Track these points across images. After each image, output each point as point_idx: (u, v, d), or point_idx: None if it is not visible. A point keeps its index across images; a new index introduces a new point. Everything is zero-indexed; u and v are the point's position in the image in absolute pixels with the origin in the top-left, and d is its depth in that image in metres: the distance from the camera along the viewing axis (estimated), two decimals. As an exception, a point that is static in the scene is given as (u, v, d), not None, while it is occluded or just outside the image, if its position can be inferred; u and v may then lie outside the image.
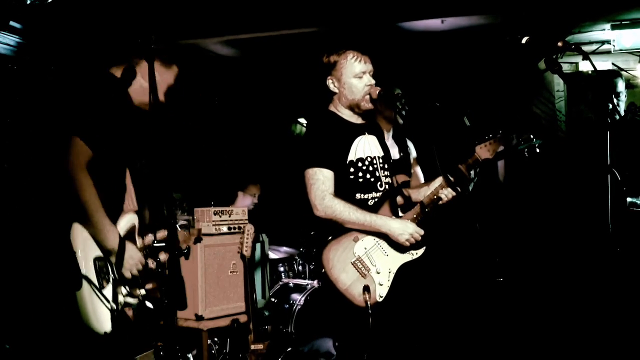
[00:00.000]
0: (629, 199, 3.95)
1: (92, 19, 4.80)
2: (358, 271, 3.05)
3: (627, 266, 3.75)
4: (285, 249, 5.47)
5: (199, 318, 4.13)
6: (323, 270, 3.05)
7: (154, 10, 4.87)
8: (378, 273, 3.08)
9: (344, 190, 3.13)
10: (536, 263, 5.39)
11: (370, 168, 3.21)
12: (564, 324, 4.63)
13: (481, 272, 4.70)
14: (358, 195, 3.17)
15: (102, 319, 2.60)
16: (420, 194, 3.30)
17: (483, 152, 3.26)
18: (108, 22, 4.80)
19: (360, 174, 3.18)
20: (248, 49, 6.23)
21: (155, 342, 3.83)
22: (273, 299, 4.73)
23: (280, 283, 4.93)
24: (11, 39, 4.87)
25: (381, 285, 3.07)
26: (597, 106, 4.18)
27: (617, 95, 4.26)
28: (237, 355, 4.24)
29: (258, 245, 4.65)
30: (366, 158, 3.21)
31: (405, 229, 3.10)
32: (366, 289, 2.94)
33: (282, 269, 5.33)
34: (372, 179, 3.21)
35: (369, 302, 2.90)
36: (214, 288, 4.26)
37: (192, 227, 4.50)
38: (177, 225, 4.88)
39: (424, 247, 3.18)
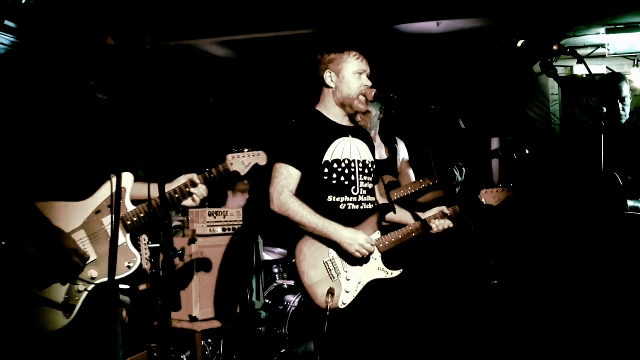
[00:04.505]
0: (630, 202, 3.95)
1: (87, 19, 4.79)
2: (328, 272, 3.03)
3: (623, 269, 3.76)
4: (279, 250, 5.46)
5: (193, 319, 4.12)
6: (293, 260, 3.03)
7: (150, 10, 4.86)
8: (347, 280, 3.05)
9: (316, 190, 3.11)
10: (531, 266, 5.40)
11: (347, 171, 3.16)
12: (559, 327, 4.64)
13: (475, 275, 4.71)
14: (330, 198, 3.13)
15: (51, 317, 2.55)
16: (412, 218, 3.29)
17: (488, 197, 3.30)
18: (104, 22, 4.78)
19: (335, 176, 3.14)
20: (243, 49, 6.23)
21: (149, 343, 3.82)
22: (267, 300, 4.72)
23: (275, 284, 4.92)
24: (6, 39, 4.86)
25: (347, 292, 3.03)
26: (604, 110, 4.20)
27: (622, 99, 4.26)
28: (230, 356, 4.24)
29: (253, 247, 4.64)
30: (343, 160, 3.17)
31: (355, 239, 3.03)
32: (330, 291, 2.91)
33: (276, 270, 5.31)
34: (347, 182, 3.16)
35: (329, 305, 2.86)
36: (208, 289, 4.25)
37: (186, 228, 4.50)
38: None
39: (401, 270, 3.15)
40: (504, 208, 3.32)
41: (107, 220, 2.74)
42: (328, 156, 3.14)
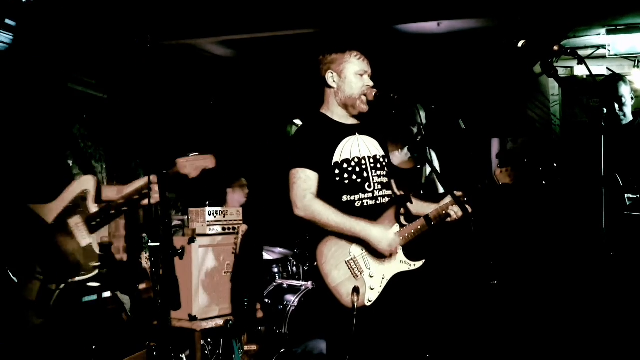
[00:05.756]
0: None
1: (87, 19, 4.80)
2: (351, 271, 3.02)
3: (622, 269, 3.76)
4: (279, 250, 5.46)
5: (193, 318, 4.12)
6: (315, 264, 3.01)
7: (151, 9, 4.86)
8: (371, 277, 3.05)
9: (330, 192, 3.09)
10: (531, 266, 5.40)
11: (357, 169, 3.15)
12: (558, 327, 4.64)
13: (475, 275, 4.71)
14: (344, 198, 3.12)
15: (28, 315, 2.60)
16: (431, 208, 3.23)
17: (503, 176, 3.24)
18: (104, 22, 4.79)
19: (346, 176, 3.13)
20: (244, 49, 6.23)
21: (148, 342, 3.82)
22: (267, 300, 4.73)
23: (274, 284, 4.92)
24: (5, 37, 4.86)
25: (372, 289, 3.03)
26: (605, 111, 4.20)
27: (619, 99, 4.25)
28: (230, 356, 4.24)
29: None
30: (353, 159, 3.15)
31: (384, 237, 3.04)
32: (356, 290, 2.87)
33: (276, 270, 5.32)
34: (359, 180, 3.14)
35: (356, 304, 2.84)
36: (208, 288, 4.25)
37: (186, 227, 4.50)
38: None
39: (423, 260, 3.15)
40: (520, 185, 3.26)
41: (72, 221, 2.80)
42: (337, 157, 3.13)
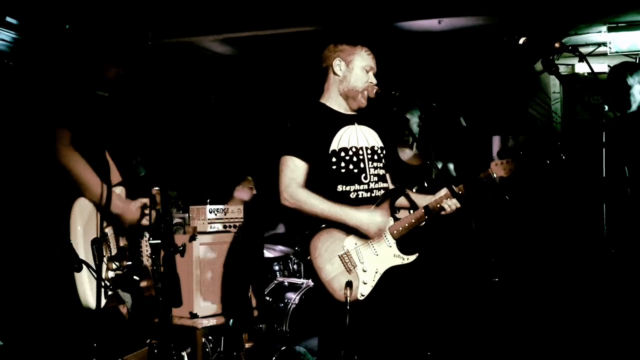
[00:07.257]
0: None
1: (88, 16, 4.79)
2: (344, 265, 3.01)
3: (624, 266, 3.76)
4: (280, 247, 5.47)
5: (194, 316, 4.12)
6: (309, 258, 3.02)
7: (151, 7, 4.86)
8: (364, 271, 3.04)
9: (326, 181, 3.08)
10: (532, 263, 5.40)
11: (355, 159, 3.13)
12: (559, 325, 4.64)
13: (477, 272, 4.72)
14: (340, 187, 3.10)
15: (92, 297, 2.73)
16: (426, 200, 3.21)
17: (498, 169, 3.21)
18: (105, 19, 4.79)
19: (343, 164, 3.11)
20: (245, 47, 6.23)
21: (150, 339, 3.82)
22: (268, 298, 4.73)
23: (275, 282, 4.93)
24: (7, 35, 4.86)
25: (365, 283, 3.02)
26: (602, 108, 4.17)
27: (627, 88, 4.22)
28: (231, 353, 4.24)
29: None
30: (350, 148, 3.13)
31: (371, 220, 3.03)
32: (349, 284, 2.86)
33: (277, 267, 5.32)
34: (356, 170, 3.13)
35: (349, 298, 2.83)
36: (209, 286, 4.25)
37: (187, 225, 4.50)
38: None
39: (417, 254, 3.13)
40: (515, 179, 3.24)
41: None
42: (334, 145, 3.11)
